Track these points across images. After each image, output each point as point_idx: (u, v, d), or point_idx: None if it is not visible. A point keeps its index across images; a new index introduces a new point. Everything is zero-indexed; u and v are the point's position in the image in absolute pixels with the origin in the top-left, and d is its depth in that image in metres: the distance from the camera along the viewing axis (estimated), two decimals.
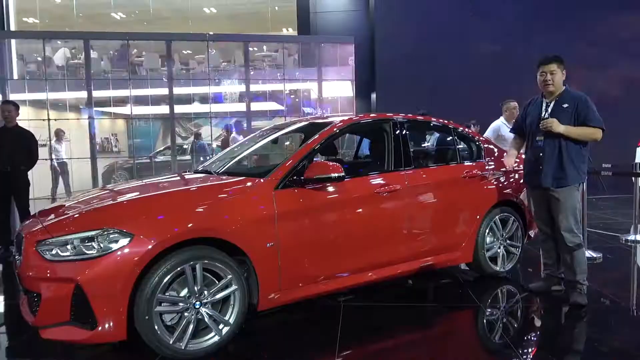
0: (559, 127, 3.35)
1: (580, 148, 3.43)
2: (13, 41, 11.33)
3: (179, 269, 2.53)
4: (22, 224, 3.07)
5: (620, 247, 5.22)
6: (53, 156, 9.62)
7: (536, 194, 3.64)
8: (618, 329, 3.16)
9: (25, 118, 8.37)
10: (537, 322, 3.36)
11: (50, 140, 9.43)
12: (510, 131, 4.07)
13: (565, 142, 3.40)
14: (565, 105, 3.42)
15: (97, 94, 10.14)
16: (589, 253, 4.70)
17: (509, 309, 3.54)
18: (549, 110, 3.48)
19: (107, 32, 12.95)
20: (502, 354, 2.75)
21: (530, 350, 2.84)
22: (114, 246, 2.42)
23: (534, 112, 3.60)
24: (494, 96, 6.24)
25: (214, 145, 10.38)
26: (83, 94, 9.83)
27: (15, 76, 10.90)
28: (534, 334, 3.15)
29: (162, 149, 11.90)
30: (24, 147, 5.46)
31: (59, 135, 10.24)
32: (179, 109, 10.63)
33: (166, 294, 2.53)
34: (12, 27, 14.36)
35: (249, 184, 2.97)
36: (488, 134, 5.62)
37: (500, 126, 5.55)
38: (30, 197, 5.71)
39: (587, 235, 4.93)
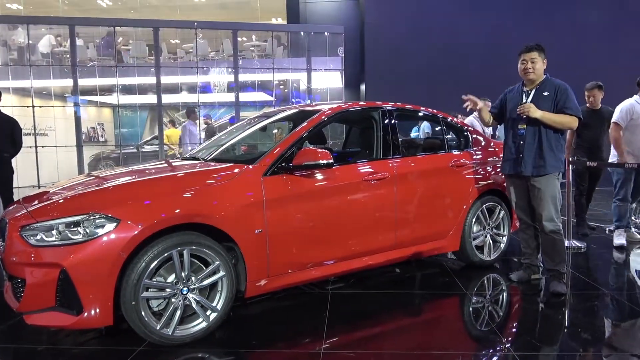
0: (535, 113, 3.36)
1: (559, 137, 3.47)
2: None
3: (166, 254, 2.51)
4: (5, 210, 3.02)
5: (603, 237, 5.29)
6: (187, 140, 8.41)
7: (517, 183, 3.65)
8: (600, 315, 3.22)
9: (9, 105, 8.23)
10: (522, 310, 3.40)
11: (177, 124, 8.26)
12: (489, 110, 3.83)
13: (545, 130, 3.42)
14: (546, 94, 3.44)
15: (82, 82, 9.98)
16: (573, 242, 4.77)
17: (494, 296, 3.59)
18: (530, 98, 3.49)
19: (92, 18, 12.74)
20: (488, 339, 2.79)
21: (514, 336, 2.87)
22: (100, 231, 2.39)
23: (514, 100, 3.60)
24: (481, 89, 6.32)
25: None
26: (68, 82, 9.66)
27: None
28: (518, 321, 3.19)
29: (149, 138, 11.81)
30: (7, 134, 5.36)
31: (192, 114, 8.63)
32: (166, 98, 10.53)
33: (153, 279, 2.51)
34: None
35: (236, 170, 2.95)
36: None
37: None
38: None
39: (572, 225, 5.00)
